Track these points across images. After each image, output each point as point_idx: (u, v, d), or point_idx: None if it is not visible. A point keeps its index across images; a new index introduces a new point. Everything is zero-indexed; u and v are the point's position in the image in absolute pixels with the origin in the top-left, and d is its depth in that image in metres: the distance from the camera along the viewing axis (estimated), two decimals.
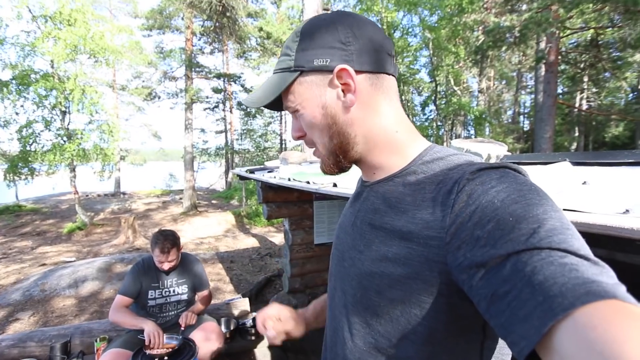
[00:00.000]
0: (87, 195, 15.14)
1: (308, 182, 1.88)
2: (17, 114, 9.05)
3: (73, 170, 9.78)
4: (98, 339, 2.35)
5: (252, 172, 3.20)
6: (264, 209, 3.49)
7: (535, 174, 1.14)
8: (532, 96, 21.16)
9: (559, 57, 9.06)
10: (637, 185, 0.74)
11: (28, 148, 8.98)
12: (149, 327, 1.93)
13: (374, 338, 0.51)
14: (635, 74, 14.24)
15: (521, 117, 22.85)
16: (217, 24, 12.00)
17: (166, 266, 2.11)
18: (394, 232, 0.48)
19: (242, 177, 3.85)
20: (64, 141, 9.30)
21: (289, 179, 2.19)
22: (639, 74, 14.48)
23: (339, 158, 0.55)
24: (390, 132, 0.54)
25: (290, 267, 3.59)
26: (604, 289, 0.28)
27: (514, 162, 0.52)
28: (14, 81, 8.61)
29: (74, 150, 9.11)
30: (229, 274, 5.02)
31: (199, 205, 12.68)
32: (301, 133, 0.57)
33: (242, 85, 15.30)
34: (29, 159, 9.03)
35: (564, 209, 0.75)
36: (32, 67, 8.92)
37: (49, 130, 9.27)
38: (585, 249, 0.34)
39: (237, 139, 17.41)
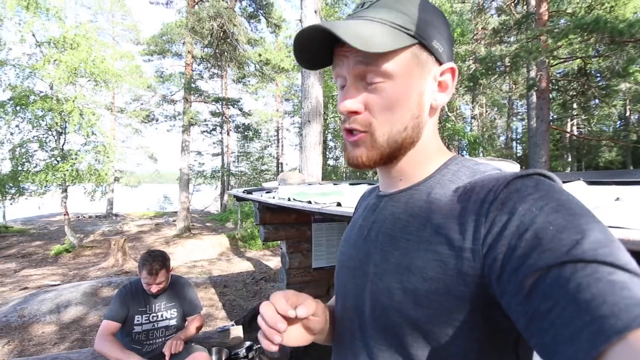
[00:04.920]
0: (78, 217, 14.83)
1: (310, 202, 1.80)
2: (11, 134, 9.02)
3: (65, 190, 9.61)
4: None
5: (249, 192, 3.12)
6: (261, 231, 3.37)
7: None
8: (524, 122, 21.82)
9: (550, 85, 9.35)
10: None
11: (20, 168, 8.86)
12: None
13: None
14: (622, 102, 14.71)
15: (514, 142, 23.31)
16: (217, 50, 12.32)
17: (154, 289, 1.99)
18: (419, 244, 0.44)
19: (239, 198, 3.77)
20: (58, 161, 9.21)
21: (289, 199, 2.12)
22: (625, 101, 14.98)
23: (390, 150, 0.48)
24: (432, 140, 0.52)
25: None
26: None
27: None
28: (10, 102, 8.62)
29: (66, 170, 9.01)
30: (222, 300, 4.79)
31: (192, 227, 12.44)
32: (360, 108, 0.46)
33: (240, 109, 15.54)
34: (19, 178, 8.87)
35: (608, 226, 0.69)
36: (32, 88, 8.96)
37: (44, 150, 9.22)
38: (633, 264, 0.31)
39: (234, 161, 17.41)
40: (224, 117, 16.20)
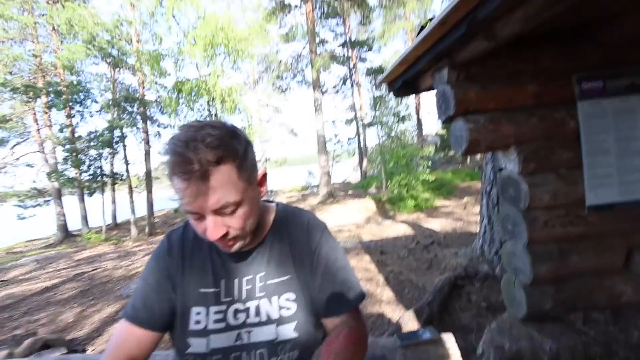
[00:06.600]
0: None
1: None
2: (179, 120, 10.45)
3: None
4: None
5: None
6: (459, 130, 1.58)
7: None
8: None
9: None
10: None
11: None
12: None
13: None
14: None
15: None
16: None
17: (226, 244, 0.63)
18: None
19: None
20: None
21: None
22: None
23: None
24: None
25: (530, 260, 1.56)
26: None
27: None
28: (172, 89, 9.84)
29: None
30: (383, 271, 3.35)
31: (335, 194, 11.92)
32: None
33: (370, 48, 14.38)
34: None
35: None
36: (185, 77, 10.04)
37: None
38: None
39: (372, 117, 16.44)
40: (350, 62, 15.19)
